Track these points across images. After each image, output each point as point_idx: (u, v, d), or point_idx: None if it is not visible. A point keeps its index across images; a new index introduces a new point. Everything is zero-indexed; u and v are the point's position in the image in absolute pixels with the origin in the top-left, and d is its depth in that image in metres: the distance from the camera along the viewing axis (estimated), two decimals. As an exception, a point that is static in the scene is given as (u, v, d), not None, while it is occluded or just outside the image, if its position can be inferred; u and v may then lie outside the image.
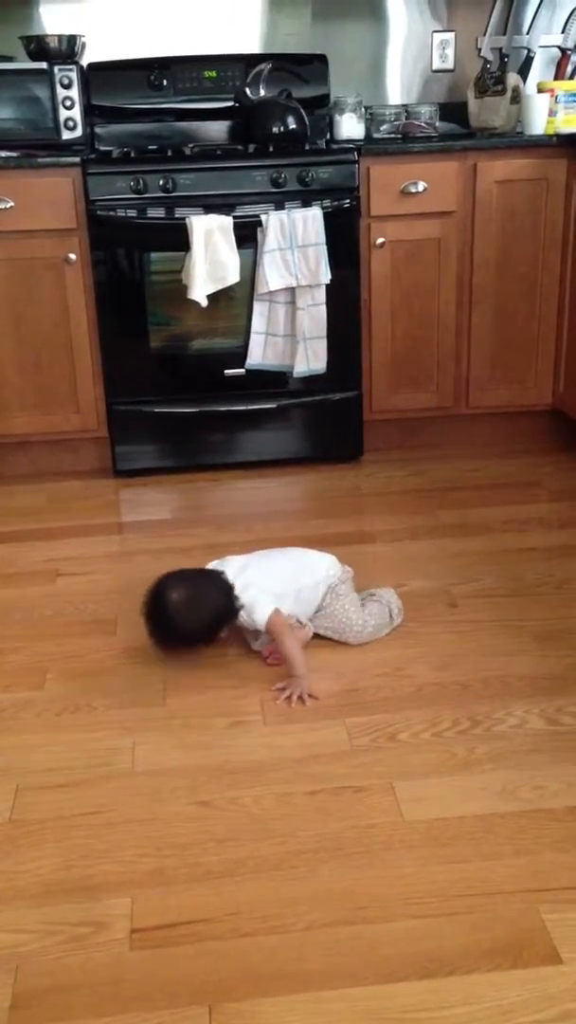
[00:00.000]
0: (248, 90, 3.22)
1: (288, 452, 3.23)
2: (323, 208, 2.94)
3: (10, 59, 3.19)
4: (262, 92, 3.21)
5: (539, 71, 3.50)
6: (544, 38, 3.49)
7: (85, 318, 3.06)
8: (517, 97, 3.21)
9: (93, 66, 3.26)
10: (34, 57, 3.14)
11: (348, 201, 2.97)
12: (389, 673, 2.05)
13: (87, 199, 2.92)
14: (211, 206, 2.92)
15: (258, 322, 3.02)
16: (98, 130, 3.31)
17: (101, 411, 3.17)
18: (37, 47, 3.14)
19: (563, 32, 3.47)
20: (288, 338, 3.04)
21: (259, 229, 2.92)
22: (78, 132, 3.12)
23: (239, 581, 2.06)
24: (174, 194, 2.93)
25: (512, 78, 3.24)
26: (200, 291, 2.92)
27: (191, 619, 2.03)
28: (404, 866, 1.52)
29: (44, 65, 3.07)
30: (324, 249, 2.94)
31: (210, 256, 2.90)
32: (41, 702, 2.00)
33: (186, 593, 2.03)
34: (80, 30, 3.29)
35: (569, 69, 3.45)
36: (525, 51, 3.47)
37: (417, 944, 1.38)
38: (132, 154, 3.01)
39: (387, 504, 2.93)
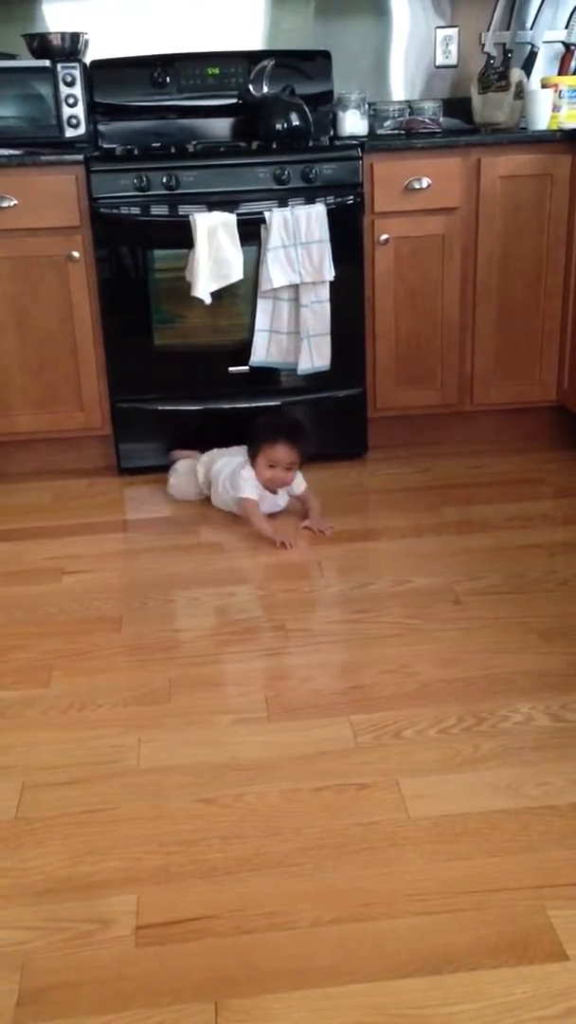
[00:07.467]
0: (251, 87, 3.22)
1: (292, 449, 3.23)
2: (327, 205, 2.93)
3: (13, 57, 3.20)
4: (265, 89, 3.21)
5: (543, 66, 3.49)
6: (548, 33, 3.48)
7: (89, 316, 3.06)
8: (521, 93, 3.20)
9: (96, 63, 3.26)
10: (37, 55, 3.14)
11: (352, 198, 2.97)
12: (394, 670, 2.05)
13: (90, 197, 2.92)
14: (215, 203, 2.92)
15: (262, 319, 3.02)
16: (101, 128, 3.31)
17: (105, 409, 3.17)
18: (40, 45, 3.14)
19: (567, 27, 3.47)
20: (292, 335, 3.03)
21: (263, 226, 2.91)
22: (81, 130, 3.12)
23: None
24: (177, 191, 2.93)
25: (516, 74, 3.23)
26: (204, 288, 2.91)
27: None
28: (409, 863, 1.53)
29: (47, 63, 3.07)
30: (328, 246, 2.94)
31: (214, 253, 2.89)
32: (47, 699, 2.01)
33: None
34: (83, 27, 3.29)
35: (573, 64, 3.44)
36: (529, 46, 3.46)
37: (423, 941, 1.38)
38: (135, 151, 3.02)
39: (391, 501, 2.93)
